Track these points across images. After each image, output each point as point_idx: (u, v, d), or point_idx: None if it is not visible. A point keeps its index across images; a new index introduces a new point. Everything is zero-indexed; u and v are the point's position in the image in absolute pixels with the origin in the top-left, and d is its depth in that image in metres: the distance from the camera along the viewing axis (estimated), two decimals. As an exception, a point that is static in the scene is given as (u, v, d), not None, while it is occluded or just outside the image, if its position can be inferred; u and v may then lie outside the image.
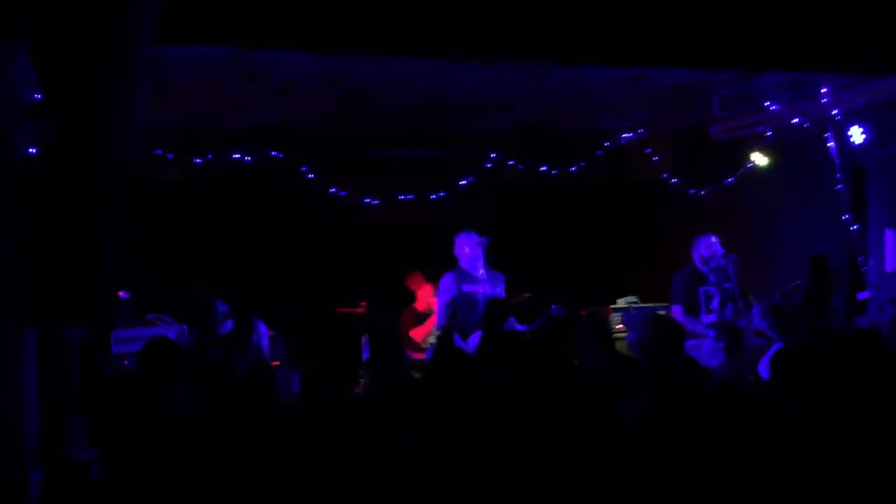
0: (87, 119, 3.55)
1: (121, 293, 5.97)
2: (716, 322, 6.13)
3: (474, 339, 5.91)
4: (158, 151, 7.09)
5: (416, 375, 5.47)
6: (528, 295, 7.19)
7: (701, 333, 6.13)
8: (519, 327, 6.11)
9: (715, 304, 6.29)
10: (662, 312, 6.70)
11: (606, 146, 8.34)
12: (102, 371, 5.67)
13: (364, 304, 6.97)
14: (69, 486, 3.36)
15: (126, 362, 5.71)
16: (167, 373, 4.01)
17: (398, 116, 7.17)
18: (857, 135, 6.60)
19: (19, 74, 3.59)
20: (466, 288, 6.05)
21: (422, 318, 6.92)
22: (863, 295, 6.70)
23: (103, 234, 3.53)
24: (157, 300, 6.48)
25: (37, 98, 3.92)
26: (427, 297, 6.92)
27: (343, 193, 7.78)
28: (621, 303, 7.65)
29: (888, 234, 6.78)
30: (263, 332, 6.09)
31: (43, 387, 3.80)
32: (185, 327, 6.15)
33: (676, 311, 6.42)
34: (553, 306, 6.26)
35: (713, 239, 6.43)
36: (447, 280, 6.08)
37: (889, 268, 6.76)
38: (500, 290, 6.17)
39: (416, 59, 4.81)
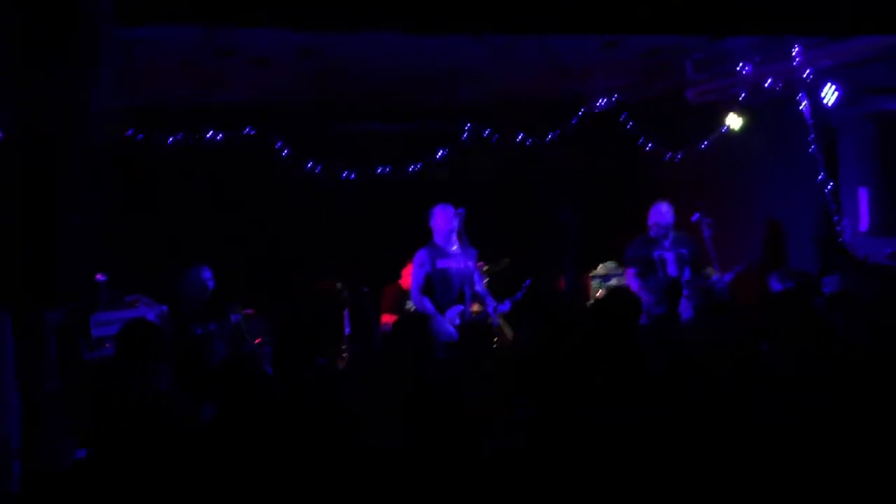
0: (50, 100, 3.49)
1: (98, 276, 5.94)
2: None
3: (451, 314, 5.93)
4: (130, 131, 7.01)
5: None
6: (507, 260, 7.22)
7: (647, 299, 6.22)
8: (501, 307, 6.14)
9: (670, 268, 6.46)
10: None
11: (582, 113, 8.33)
12: (83, 355, 5.66)
13: (342, 279, 6.96)
14: (50, 475, 3.36)
15: (107, 345, 5.69)
16: (147, 354, 3.98)
17: (373, 90, 7.12)
18: (829, 94, 6.60)
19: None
20: (441, 264, 6.04)
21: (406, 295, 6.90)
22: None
23: (74, 216, 3.49)
24: (135, 282, 6.45)
25: None
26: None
27: (318, 169, 7.74)
28: (600, 268, 7.70)
29: (862, 192, 6.83)
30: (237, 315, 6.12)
31: (21, 374, 3.77)
32: (165, 308, 6.13)
33: (629, 274, 6.63)
34: (528, 280, 6.30)
35: (664, 206, 6.66)
36: (421, 255, 6.07)
37: (863, 227, 6.82)
38: (472, 266, 6.18)
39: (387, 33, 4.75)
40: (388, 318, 7.05)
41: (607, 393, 3.03)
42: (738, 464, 2.66)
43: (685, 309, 4.99)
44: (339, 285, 6.95)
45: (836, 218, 6.79)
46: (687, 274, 6.42)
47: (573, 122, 8.27)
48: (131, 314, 5.80)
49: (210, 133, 7.32)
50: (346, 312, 6.96)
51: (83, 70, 3.57)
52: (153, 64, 5.65)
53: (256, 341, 6.37)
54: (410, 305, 6.46)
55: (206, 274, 6.21)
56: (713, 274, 6.44)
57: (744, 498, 2.61)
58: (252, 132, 7.47)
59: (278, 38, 5.21)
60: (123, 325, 4.20)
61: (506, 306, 6.20)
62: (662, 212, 6.65)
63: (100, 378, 4.48)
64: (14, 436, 3.41)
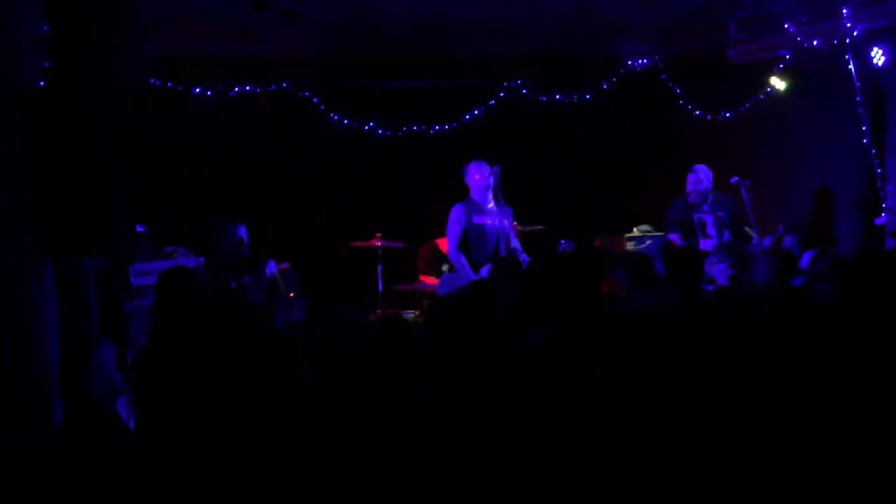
0: (87, 46, 3.53)
1: (137, 226, 6.02)
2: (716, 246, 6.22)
3: (485, 270, 5.93)
4: (169, 83, 7.07)
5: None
6: (540, 227, 7.19)
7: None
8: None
9: (710, 229, 6.41)
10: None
11: (622, 73, 8.21)
12: (122, 303, 5.76)
13: (378, 234, 6.98)
14: (92, 417, 3.45)
15: (146, 294, 5.78)
16: (185, 300, 4.03)
17: (406, 44, 7.07)
18: (877, 56, 6.44)
19: (25, 7, 3.56)
20: (476, 219, 6.03)
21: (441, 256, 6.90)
22: (880, 220, 6.64)
23: (113, 164, 3.54)
24: (174, 233, 6.54)
25: (44, 29, 3.90)
26: None
27: (353, 124, 7.74)
28: (636, 231, 7.64)
29: (907, 158, 6.68)
30: (273, 269, 6.17)
31: (63, 318, 3.86)
32: (203, 259, 6.21)
33: (673, 238, 6.53)
34: (562, 241, 6.26)
35: (702, 169, 6.59)
36: (457, 211, 6.05)
37: (908, 193, 6.68)
38: (508, 224, 6.16)
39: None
40: (424, 278, 7.08)
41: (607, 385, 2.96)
42: (738, 458, 2.63)
43: (719, 274, 4.94)
44: (376, 241, 6.97)
45: (879, 183, 6.65)
46: (726, 236, 6.35)
47: (613, 80, 8.16)
48: (170, 264, 5.87)
49: (248, 87, 7.34)
50: (379, 268, 6.99)
51: (118, 17, 3.61)
52: (186, 14, 5.66)
53: (290, 295, 6.43)
54: (446, 265, 6.48)
55: (242, 231, 6.27)
56: (752, 236, 6.36)
57: (746, 493, 2.60)
58: (288, 86, 7.47)
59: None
60: (164, 271, 4.23)
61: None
62: (699, 175, 6.58)
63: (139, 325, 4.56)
64: (54, 377, 3.50)
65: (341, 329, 3.73)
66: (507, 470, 2.70)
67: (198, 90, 7.26)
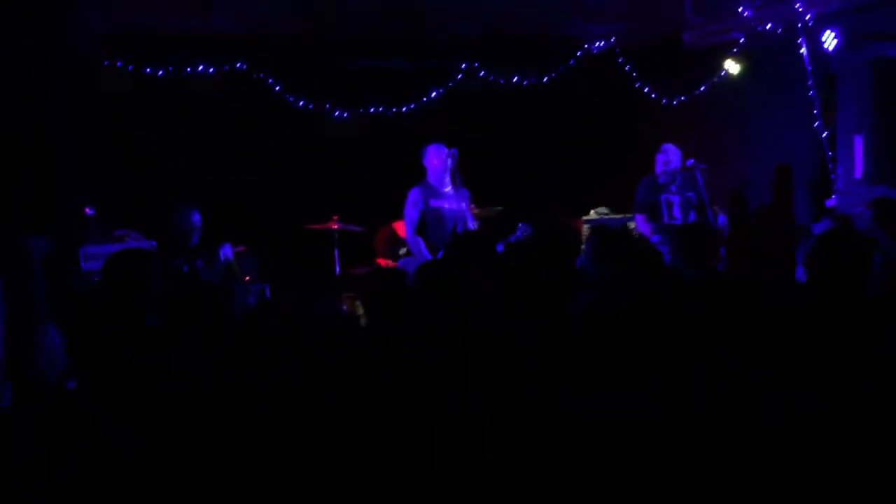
0: (34, 28, 3.44)
1: (87, 209, 5.88)
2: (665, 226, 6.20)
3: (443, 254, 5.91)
4: (119, 63, 6.90)
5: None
6: (498, 208, 7.18)
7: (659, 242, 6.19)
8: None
9: (676, 211, 6.40)
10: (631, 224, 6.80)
11: (579, 55, 8.23)
12: (72, 287, 5.63)
13: (335, 217, 6.92)
14: (40, 396, 3.36)
15: (96, 278, 5.66)
16: (135, 283, 3.93)
17: (365, 21, 6.99)
18: (829, 40, 6.54)
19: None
20: (434, 203, 6.01)
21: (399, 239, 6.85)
22: (831, 202, 6.76)
23: (60, 144, 3.45)
24: (124, 216, 6.40)
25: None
26: None
27: (311, 106, 7.64)
28: (593, 214, 7.67)
29: (857, 140, 6.80)
30: (229, 252, 6.07)
31: (10, 302, 3.75)
32: (154, 243, 6.09)
33: (639, 220, 6.50)
34: (520, 225, 6.24)
35: (670, 149, 6.51)
36: (414, 194, 6.02)
37: (858, 174, 6.80)
38: (465, 207, 6.14)
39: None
40: (382, 262, 7.03)
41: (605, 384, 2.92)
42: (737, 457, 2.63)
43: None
44: (333, 223, 6.90)
45: (830, 165, 6.77)
46: (692, 218, 6.33)
47: (570, 63, 8.17)
48: (120, 248, 5.75)
49: (201, 67, 7.19)
50: (336, 252, 6.93)
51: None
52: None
53: (246, 279, 6.34)
54: (403, 248, 6.44)
55: (195, 215, 6.16)
56: (717, 217, 6.36)
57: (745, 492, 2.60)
58: (243, 67, 7.34)
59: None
60: (115, 253, 4.11)
61: (498, 248, 6.17)
62: (670, 155, 6.48)
63: (91, 307, 4.44)
64: (1, 359, 3.40)
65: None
66: (494, 460, 2.67)
67: (148, 70, 7.08)
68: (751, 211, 7.50)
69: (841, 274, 3.10)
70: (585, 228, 7.65)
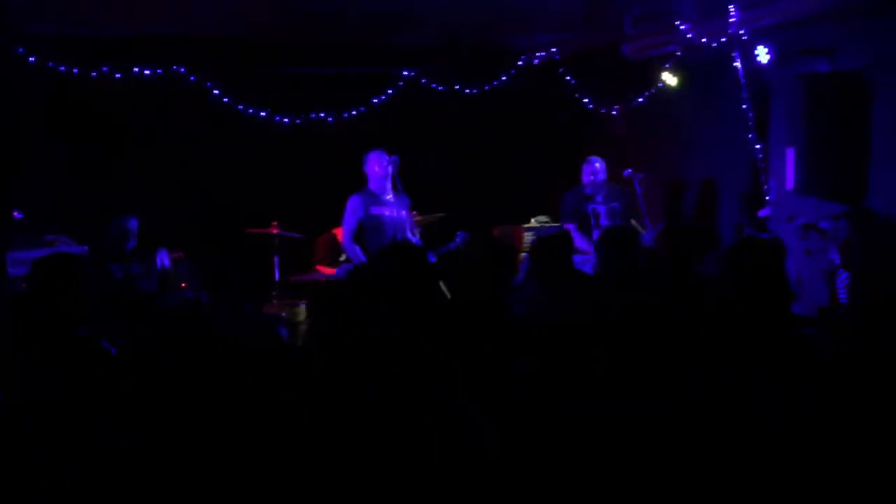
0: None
1: (14, 213, 5.72)
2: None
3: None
4: (50, 64, 6.71)
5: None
6: (439, 214, 7.19)
7: (587, 251, 6.30)
8: (431, 257, 6.09)
9: (603, 220, 6.56)
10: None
11: (520, 65, 8.29)
12: (-2, 293, 5.45)
13: (275, 223, 6.84)
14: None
15: (24, 285, 5.49)
16: (66, 290, 3.81)
17: (308, 28, 6.94)
18: (762, 54, 6.70)
19: None
20: (374, 210, 5.99)
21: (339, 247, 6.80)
22: (763, 212, 6.92)
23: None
24: (55, 221, 6.24)
25: None
26: None
27: (251, 111, 7.54)
28: (533, 222, 7.74)
29: (789, 152, 6.98)
30: (165, 258, 5.97)
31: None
32: (86, 248, 5.95)
33: (570, 229, 6.64)
34: (459, 233, 6.26)
35: (597, 162, 6.73)
36: (354, 201, 6.00)
37: (788, 186, 6.98)
38: (406, 214, 6.13)
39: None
40: (321, 269, 6.97)
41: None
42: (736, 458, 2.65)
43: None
44: (273, 228, 6.82)
45: (763, 176, 6.93)
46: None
47: (511, 72, 8.23)
48: (49, 253, 5.59)
49: (136, 69, 7.04)
50: (276, 258, 6.85)
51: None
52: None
53: (182, 285, 6.23)
54: (343, 255, 6.40)
55: (132, 222, 6.06)
56: (643, 228, 6.54)
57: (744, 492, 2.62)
58: (181, 70, 7.21)
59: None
60: (41, 258, 3.98)
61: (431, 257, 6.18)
62: (596, 167, 6.73)
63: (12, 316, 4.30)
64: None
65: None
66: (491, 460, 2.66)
67: (79, 71, 6.90)
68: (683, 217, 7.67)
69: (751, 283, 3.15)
70: (526, 236, 7.72)
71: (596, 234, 6.49)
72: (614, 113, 8.14)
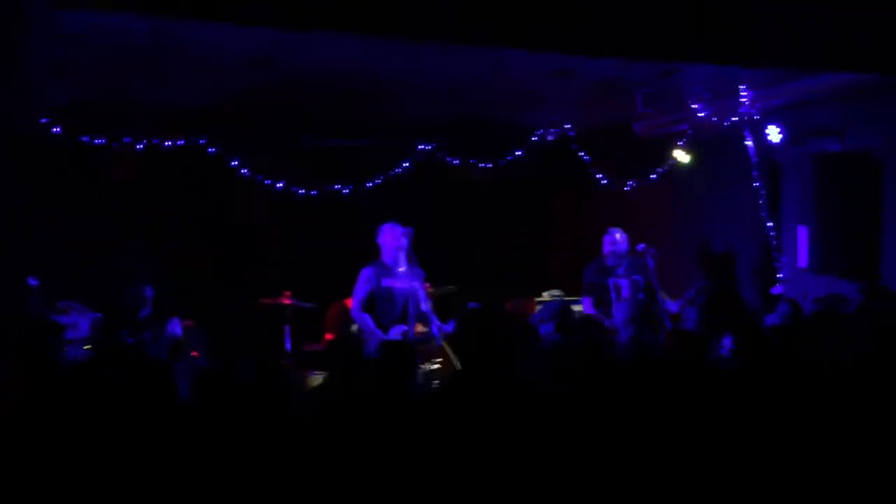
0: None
1: (30, 279, 5.76)
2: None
3: (394, 332, 5.87)
4: (58, 129, 6.85)
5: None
6: (451, 287, 7.20)
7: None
8: (446, 327, 6.07)
9: (626, 293, 6.46)
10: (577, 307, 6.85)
11: (534, 140, 8.41)
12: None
13: (288, 293, 6.85)
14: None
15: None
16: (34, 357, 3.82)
17: (323, 104, 7.09)
18: (773, 134, 6.78)
19: None
20: (386, 282, 5.99)
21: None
22: (776, 290, 6.90)
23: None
24: (70, 288, 6.28)
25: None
26: None
27: (268, 182, 7.65)
28: (545, 296, 7.71)
29: (801, 230, 6.99)
30: (178, 328, 5.99)
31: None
32: (100, 315, 5.98)
33: (586, 303, 6.56)
34: (469, 304, 6.24)
35: (617, 233, 6.65)
36: (367, 273, 5.99)
37: (801, 264, 6.97)
38: (419, 287, 6.13)
39: (339, 38, 4.74)
40: (331, 338, 6.95)
41: None
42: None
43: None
44: (285, 299, 6.83)
45: (775, 254, 6.93)
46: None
47: (525, 147, 8.34)
48: (64, 320, 5.61)
49: (158, 139, 7.19)
50: (287, 328, 6.84)
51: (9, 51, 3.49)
52: (98, 59, 5.53)
53: (193, 353, 6.23)
54: (355, 325, 6.38)
55: (147, 290, 6.10)
56: (664, 301, 6.46)
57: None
58: (202, 141, 7.35)
59: (230, 42, 5.16)
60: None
61: (450, 326, 6.14)
62: (617, 239, 6.61)
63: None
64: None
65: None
66: None
67: (102, 141, 7.05)
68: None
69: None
70: (538, 309, 7.68)
71: (617, 308, 6.42)
72: (627, 189, 8.20)
